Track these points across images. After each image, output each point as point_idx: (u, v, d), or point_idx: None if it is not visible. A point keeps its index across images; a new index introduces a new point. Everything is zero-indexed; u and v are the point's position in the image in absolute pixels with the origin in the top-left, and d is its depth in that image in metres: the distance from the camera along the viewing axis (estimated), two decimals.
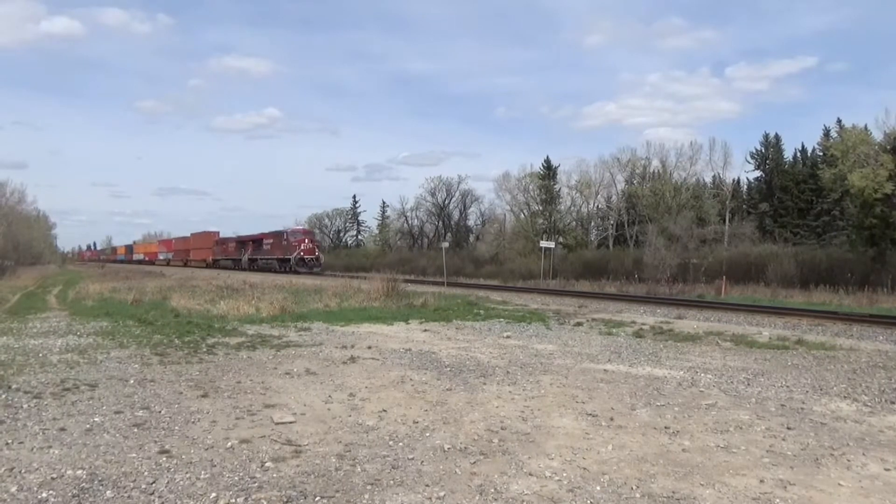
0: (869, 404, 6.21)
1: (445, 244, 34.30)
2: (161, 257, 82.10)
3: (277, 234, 48.37)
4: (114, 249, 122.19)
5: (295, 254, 42.40)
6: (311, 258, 42.99)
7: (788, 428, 5.33)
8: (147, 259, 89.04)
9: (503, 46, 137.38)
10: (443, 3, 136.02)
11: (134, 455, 4.55)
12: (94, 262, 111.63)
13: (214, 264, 59.61)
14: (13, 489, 3.92)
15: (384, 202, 79.96)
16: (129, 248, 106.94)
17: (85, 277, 40.11)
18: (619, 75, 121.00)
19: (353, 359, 8.60)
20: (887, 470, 4.38)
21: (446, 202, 68.88)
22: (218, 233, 65.09)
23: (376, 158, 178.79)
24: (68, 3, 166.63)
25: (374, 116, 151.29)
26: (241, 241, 55.54)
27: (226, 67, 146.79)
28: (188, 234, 72.97)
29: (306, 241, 44.05)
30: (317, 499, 3.82)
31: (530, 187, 57.95)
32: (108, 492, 3.89)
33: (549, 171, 58.28)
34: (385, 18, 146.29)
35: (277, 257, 45.40)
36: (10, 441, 4.86)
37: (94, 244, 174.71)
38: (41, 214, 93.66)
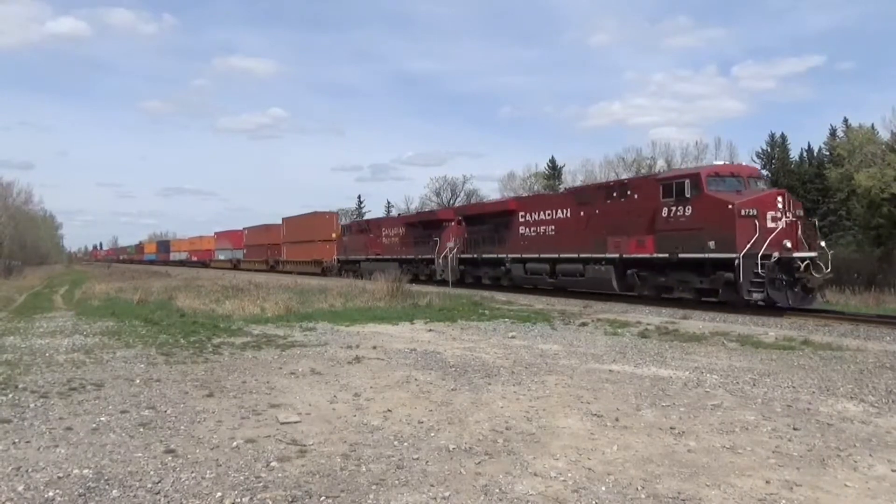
0: (876, 405, 6.17)
1: (450, 244, 34.06)
2: (221, 257, 58.46)
3: (623, 187, 18.03)
4: (139, 247, 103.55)
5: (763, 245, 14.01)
6: (804, 261, 14.56)
7: (794, 429, 5.30)
8: (195, 259, 68.02)
9: (508, 46, 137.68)
10: (447, 2, 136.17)
11: (140, 454, 4.57)
12: (106, 262, 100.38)
13: (342, 269, 33.32)
14: (20, 488, 3.94)
15: (389, 202, 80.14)
16: (164, 246, 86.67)
17: (91, 277, 40.26)
18: (624, 74, 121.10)
19: (357, 359, 8.61)
20: (894, 471, 4.36)
21: (451, 202, 68.91)
22: (336, 214, 39.76)
23: (381, 158, 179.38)
24: (74, 3, 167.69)
25: (378, 116, 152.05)
26: (426, 223, 28.25)
27: (230, 67, 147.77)
28: (278, 220, 46.19)
29: (779, 202, 14.88)
30: (322, 498, 3.83)
31: (535, 187, 58.01)
32: (114, 491, 3.91)
33: (554, 170, 58.35)
34: (389, 18, 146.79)
35: (622, 257, 17.72)
36: (17, 440, 4.89)
37: (101, 244, 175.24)
38: (48, 215, 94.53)
